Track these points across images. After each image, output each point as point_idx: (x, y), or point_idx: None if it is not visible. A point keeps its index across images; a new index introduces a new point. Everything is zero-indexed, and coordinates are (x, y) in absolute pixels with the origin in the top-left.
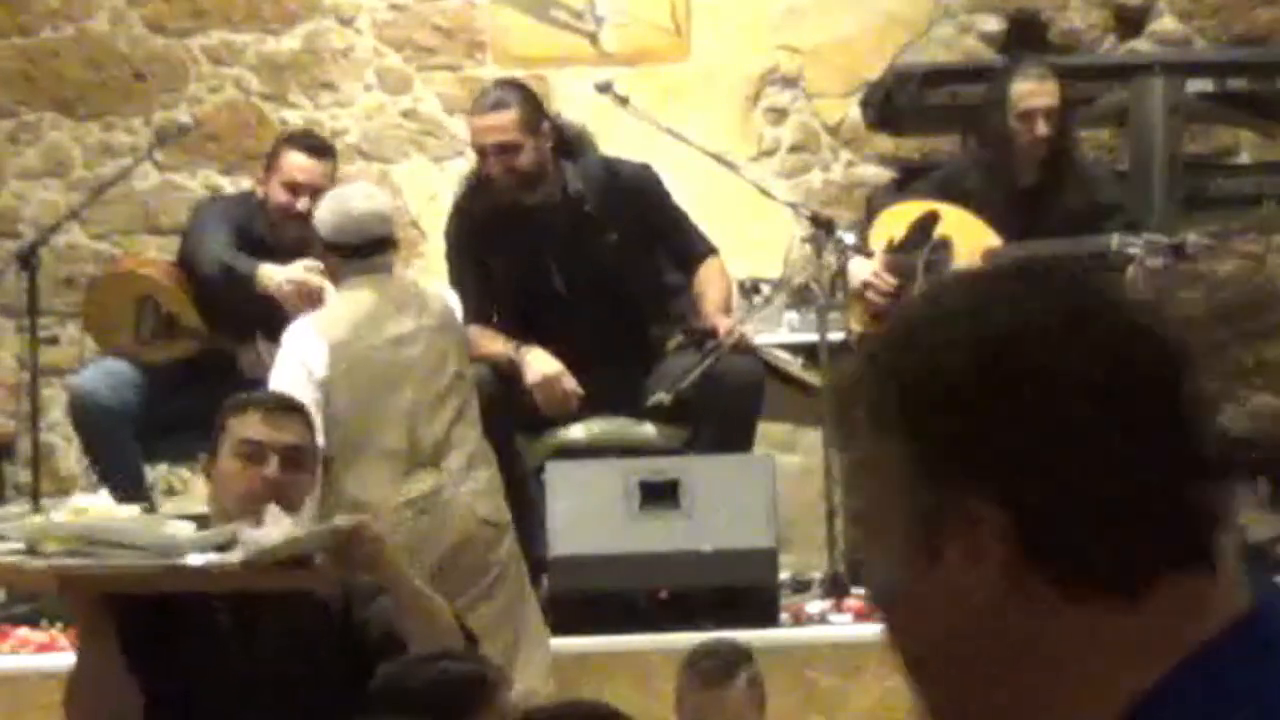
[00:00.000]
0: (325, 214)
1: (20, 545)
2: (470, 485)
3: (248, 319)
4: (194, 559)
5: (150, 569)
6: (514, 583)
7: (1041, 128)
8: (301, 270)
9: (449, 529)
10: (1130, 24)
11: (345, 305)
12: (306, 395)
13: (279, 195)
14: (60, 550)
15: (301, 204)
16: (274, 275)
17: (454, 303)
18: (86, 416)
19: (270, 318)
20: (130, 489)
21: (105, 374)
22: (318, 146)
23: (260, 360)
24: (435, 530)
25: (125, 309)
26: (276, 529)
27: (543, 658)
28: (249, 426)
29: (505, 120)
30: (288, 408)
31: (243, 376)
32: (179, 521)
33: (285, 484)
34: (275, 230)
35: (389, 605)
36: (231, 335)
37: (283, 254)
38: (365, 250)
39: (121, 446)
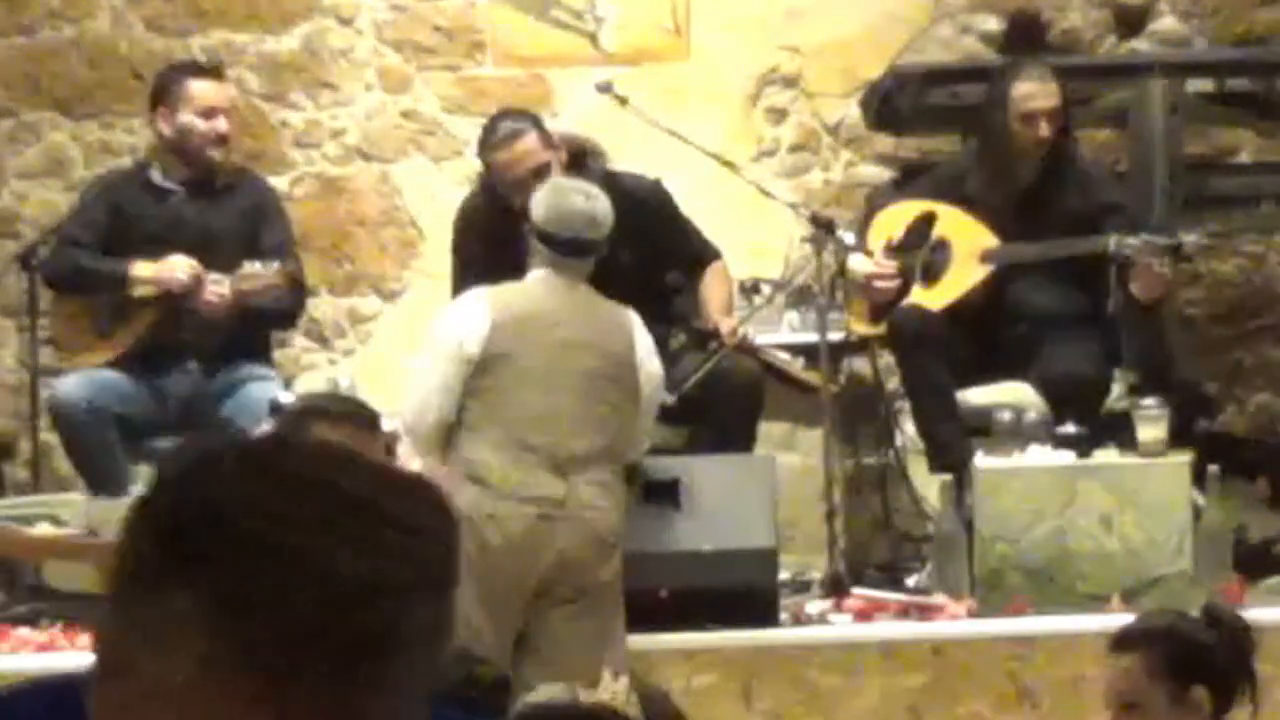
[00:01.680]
0: (541, 195)
1: (77, 530)
2: (596, 508)
3: (173, 246)
4: None
5: None
6: (611, 601)
7: (1043, 129)
8: (171, 268)
9: (562, 544)
10: (1130, 24)
11: (526, 291)
12: (449, 365)
13: (198, 125)
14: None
15: (220, 125)
16: (143, 273)
17: (649, 343)
18: (69, 423)
19: (201, 248)
20: (118, 493)
21: (86, 379)
22: (215, 70)
23: (216, 291)
24: (549, 541)
25: (82, 305)
26: None
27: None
28: (340, 437)
29: (531, 144)
30: (373, 425)
31: (201, 318)
32: None
33: None
34: (195, 162)
35: None
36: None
37: (193, 188)
38: (563, 246)
39: (105, 450)
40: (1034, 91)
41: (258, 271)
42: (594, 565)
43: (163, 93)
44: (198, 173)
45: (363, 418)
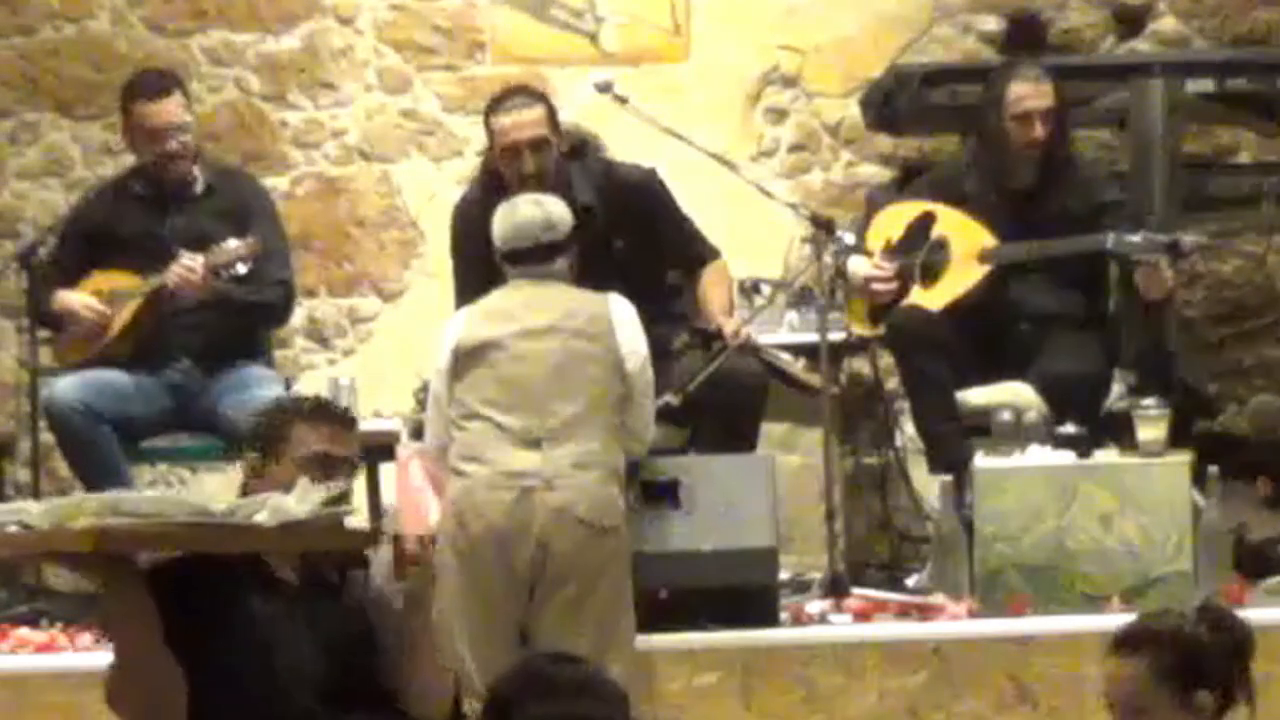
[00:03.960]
0: (496, 224)
1: (47, 527)
2: (576, 481)
3: (155, 253)
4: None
5: (189, 527)
6: (609, 591)
7: (1038, 130)
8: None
9: (541, 527)
10: (1130, 24)
11: (492, 299)
12: (437, 387)
13: (146, 147)
14: (91, 523)
15: (169, 146)
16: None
17: (630, 324)
18: (63, 424)
19: (178, 238)
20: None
21: (80, 380)
22: (160, 89)
23: (187, 265)
24: (529, 524)
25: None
26: (305, 503)
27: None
28: (321, 438)
29: (538, 115)
30: (351, 422)
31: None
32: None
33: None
34: (163, 178)
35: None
36: (155, 270)
37: (170, 201)
38: (525, 256)
39: (101, 451)
40: (1028, 92)
41: (227, 246)
42: (578, 549)
43: (121, 113)
44: (170, 184)
45: (342, 417)
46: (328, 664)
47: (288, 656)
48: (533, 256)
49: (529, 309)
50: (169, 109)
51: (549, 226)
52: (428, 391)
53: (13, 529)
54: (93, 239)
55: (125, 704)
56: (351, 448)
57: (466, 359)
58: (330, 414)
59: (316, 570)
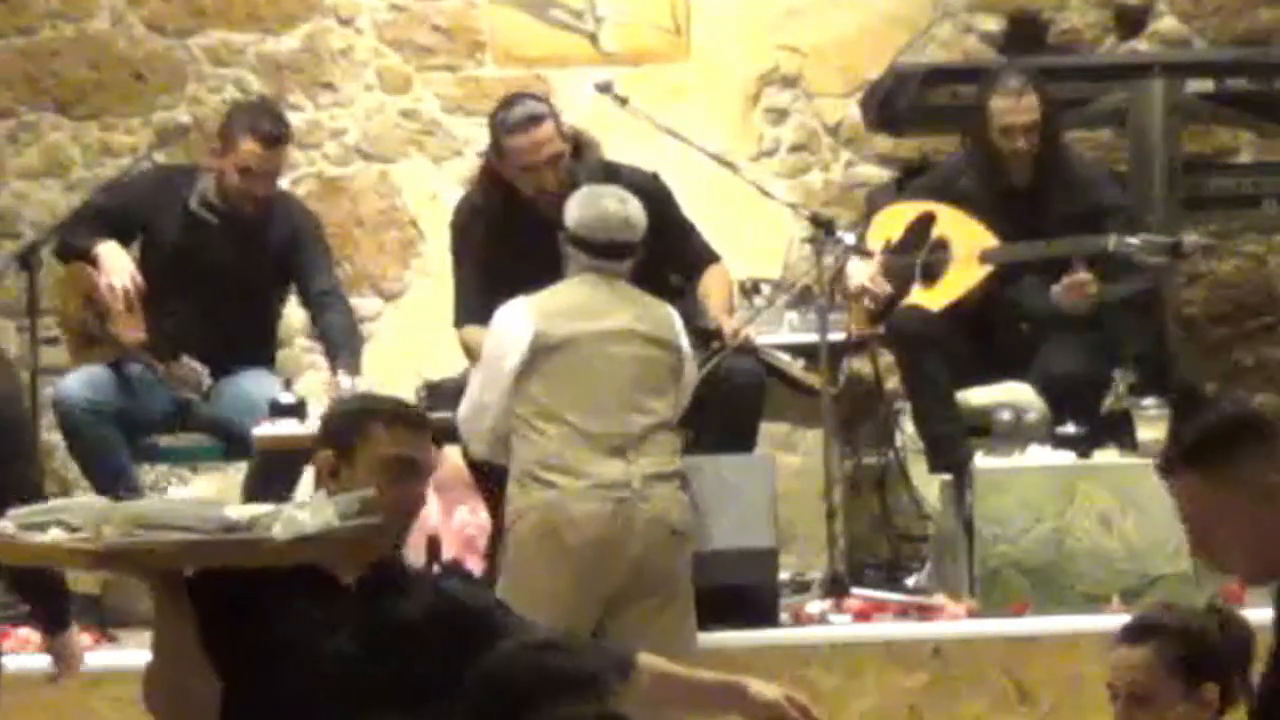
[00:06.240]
0: (574, 204)
1: (88, 532)
2: (660, 491)
3: (185, 269)
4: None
5: (186, 544)
6: (686, 595)
7: (1021, 143)
8: (128, 277)
9: (640, 542)
10: (1130, 24)
11: (564, 293)
12: (496, 377)
13: (232, 177)
14: (116, 534)
15: (255, 189)
16: (107, 259)
17: (684, 331)
18: (70, 420)
19: (228, 277)
20: (120, 494)
21: (86, 377)
22: (274, 136)
23: (193, 375)
24: (626, 529)
25: (79, 306)
26: (319, 517)
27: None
28: (403, 442)
29: (550, 131)
30: (427, 425)
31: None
32: (236, 506)
33: (423, 501)
34: (231, 202)
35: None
36: (155, 352)
37: (225, 219)
38: (599, 250)
39: (108, 448)
40: (1009, 107)
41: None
42: (670, 559)
43: (223, 129)
44: (231, 208)
45: (421, 420)
46: (382, 667)
47: (334, 661)
48: (608, 251)
49: (604, 308)
50: (279, 158)
51: (628, 226)
52: (427, 390)
53: (55, 530)
54: (133, 220)
55: (155, 700)
56: (429, 453)
57: (545, 355)
58: (409, 416)
59: (380, 570)
